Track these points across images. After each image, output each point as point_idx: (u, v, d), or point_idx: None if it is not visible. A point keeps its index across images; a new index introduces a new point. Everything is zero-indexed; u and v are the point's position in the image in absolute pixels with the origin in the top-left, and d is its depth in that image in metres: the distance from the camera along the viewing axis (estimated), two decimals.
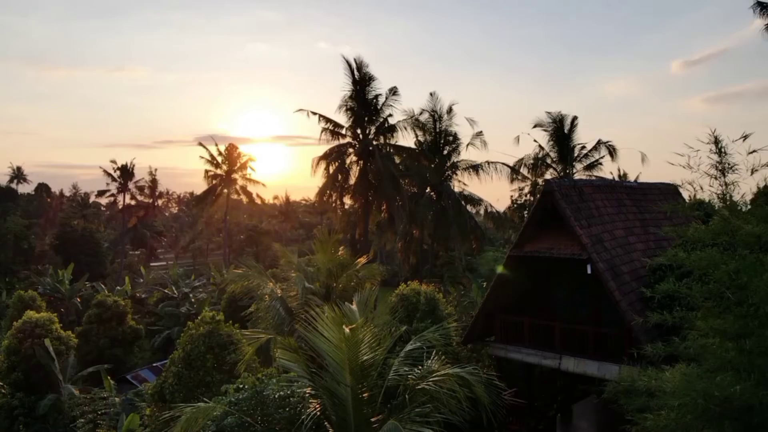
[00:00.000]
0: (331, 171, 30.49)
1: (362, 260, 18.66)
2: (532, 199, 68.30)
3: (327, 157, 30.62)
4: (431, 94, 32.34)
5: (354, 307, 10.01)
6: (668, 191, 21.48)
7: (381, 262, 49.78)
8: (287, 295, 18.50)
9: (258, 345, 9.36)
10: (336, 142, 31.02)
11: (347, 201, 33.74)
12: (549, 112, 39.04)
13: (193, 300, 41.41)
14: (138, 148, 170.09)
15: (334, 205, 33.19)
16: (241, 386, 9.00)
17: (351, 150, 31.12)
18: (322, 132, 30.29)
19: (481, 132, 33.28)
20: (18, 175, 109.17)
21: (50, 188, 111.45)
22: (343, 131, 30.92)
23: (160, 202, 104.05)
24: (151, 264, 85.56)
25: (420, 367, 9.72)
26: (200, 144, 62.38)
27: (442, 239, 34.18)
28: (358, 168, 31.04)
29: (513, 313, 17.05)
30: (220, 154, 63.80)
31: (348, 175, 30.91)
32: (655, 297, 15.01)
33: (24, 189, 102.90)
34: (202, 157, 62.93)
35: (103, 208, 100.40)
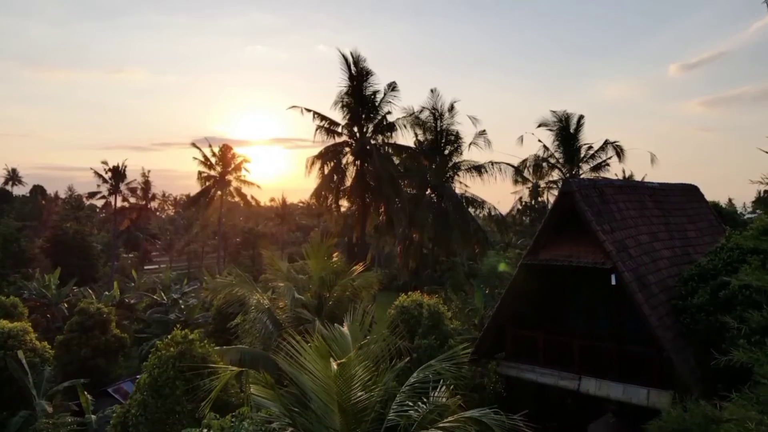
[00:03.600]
0: (326, 171, 28.72)
1: (358, 268, 16.94)
2: (532, 201, 66.42)
3: (322, 156, 28.85)
4: (432, 91, 30.72)
5: (345, 330, 8.32)
6: (690, 192, 19.87)
7: (379, 265, 48.01)
8: (276, 306, 16.84)
9: (228, 378, 7.72)
10: (332, 141, 29.33)
11: (344, 203, 32.06)
12: (554, 111, 37.49)
13: (182, 306, 39.63)
14: (136, 150, 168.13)
15: (332, 207, 31.41)
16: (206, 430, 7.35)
17: (347, 149, 29.34)
18: (316, 130, 28.54)
19: (484, 131, 31.68)
20: (13, 176, 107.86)
21: (45, 190, 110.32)
22: (339, 129, 29.15)
23: (155, 204, 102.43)
24: (146, 267, 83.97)
25: (425, 401, 8.05)
26: (193, 144, 60.88)
27: (443, 243, 32.48)
28: (355, 168, 29.24)
29: (526, 328, 15.37)
30: (213, 155, 62.14)
31: (344, 176, 29.12)
32: (688, 312, 13.41)
33: (20, 191, 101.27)
34: (196, 158, 61.40)
35: (98, 211, 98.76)
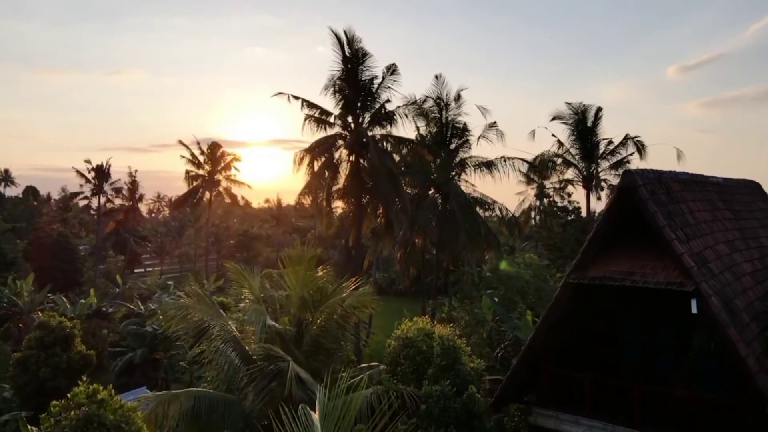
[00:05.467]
0: (316, 168, 25.05)
1: (350, 285, 13.42)
2: (539, 204, 62.92)
3: (312, 150, 25.20)
4: (436, 77, 27.19)
5: (316, 418, 4.81)
6: (753, 190, 16.42)
7: (377, 268, 44.57)
8: (246, 334, 13.34)
9: None
10: (323, 133, 25.63)
11: (338, 204, 28.39)
12: (569, 103, 34.17)
13: (161, 317, 35.96)
14: (134, 152, 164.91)
15: (323, 207, 27.68)
16: None
17: (341, 142, 25.72)
18: (305, 120, 24.86)
19: (494, 123, 28.08)
20: (5, 177, 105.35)
21: (38, 191, 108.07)
22: (331, 119, 25.44)
23: (147, 205, 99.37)
24: (136, 271, 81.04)
25: None
26: (180, 142, 57.22)
27: (448, 248, 28.92)
28: (350, 163, 25.53)
29: (566, 364, 11.86)
30: (202, 153, 58.60)
31: (337, 172, 25.47)
32: None
33: (14, 192, 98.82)
34: (183, 157, 57.90)
35: (93, 212, 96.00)
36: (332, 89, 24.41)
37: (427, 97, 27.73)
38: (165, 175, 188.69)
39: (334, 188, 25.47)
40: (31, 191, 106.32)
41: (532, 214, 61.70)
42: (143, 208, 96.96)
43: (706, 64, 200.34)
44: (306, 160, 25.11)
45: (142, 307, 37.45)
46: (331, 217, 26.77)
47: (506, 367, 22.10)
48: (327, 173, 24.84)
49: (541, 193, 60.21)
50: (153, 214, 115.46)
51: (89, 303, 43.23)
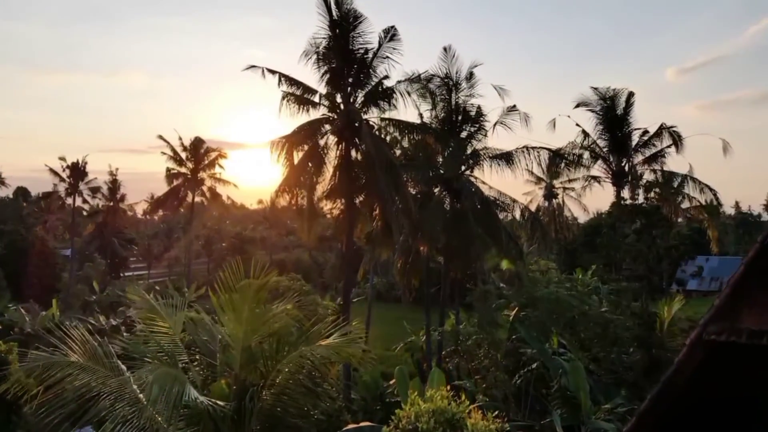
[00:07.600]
0: (296, 159, 20.14)
1: (326, 325, 8.74)
2: (547, 204, 57.92)
3: (293, 137, 20.36)
4: (445, 50, 22.43)
5: None
6: None
7: (375, 273, 40.06)
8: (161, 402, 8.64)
9: None
10: (306, 117, 20.70)
11: (327, 203, 23.65)
12: (595, 88, 29.73)
13: (125, 334, 31.30)
14: (132, 153, 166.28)
15: (307, 208, 22.85)
16: None
17: (328, 126, 20.89)
18: (283, 99, 19.86)
19: (514, 106, 23.36)
20: None
21: (29, 192, 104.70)
22: (316, 98, 20.73)
23: (140, 207, 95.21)
24: (122, 275, 77.17)
25: None
26: (160, 137, 52.32)
27: (457, 258, 24.17)
28: (339, 153, 20.73)
29: None
30: (184, 149, 53.78)
31: (323, 164, 20.54)
32: None
33: (5, 192, 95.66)
34: (164, 153, 53.12)
35: (85, 213, 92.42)
36: (315, 58, 19.57)
37: (432, 75, 22.96)
38: (162, 176, 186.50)
39: (320, 184, 20.63)
40: (21, 192, 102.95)
41: (540, 215, 57.33)
42: (138, 209, 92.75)
43: (704, 66, 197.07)
44: (285, 151, 20.22)
45: (103, 322, 32.76)
46: (315, 219, 21.92)
47: (537, 412, 17.55)
48: (310, 166, 19.96)
49: (549, 193, 55.45)
50: (147, 216, 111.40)
51: (50, 315, 38.62)
